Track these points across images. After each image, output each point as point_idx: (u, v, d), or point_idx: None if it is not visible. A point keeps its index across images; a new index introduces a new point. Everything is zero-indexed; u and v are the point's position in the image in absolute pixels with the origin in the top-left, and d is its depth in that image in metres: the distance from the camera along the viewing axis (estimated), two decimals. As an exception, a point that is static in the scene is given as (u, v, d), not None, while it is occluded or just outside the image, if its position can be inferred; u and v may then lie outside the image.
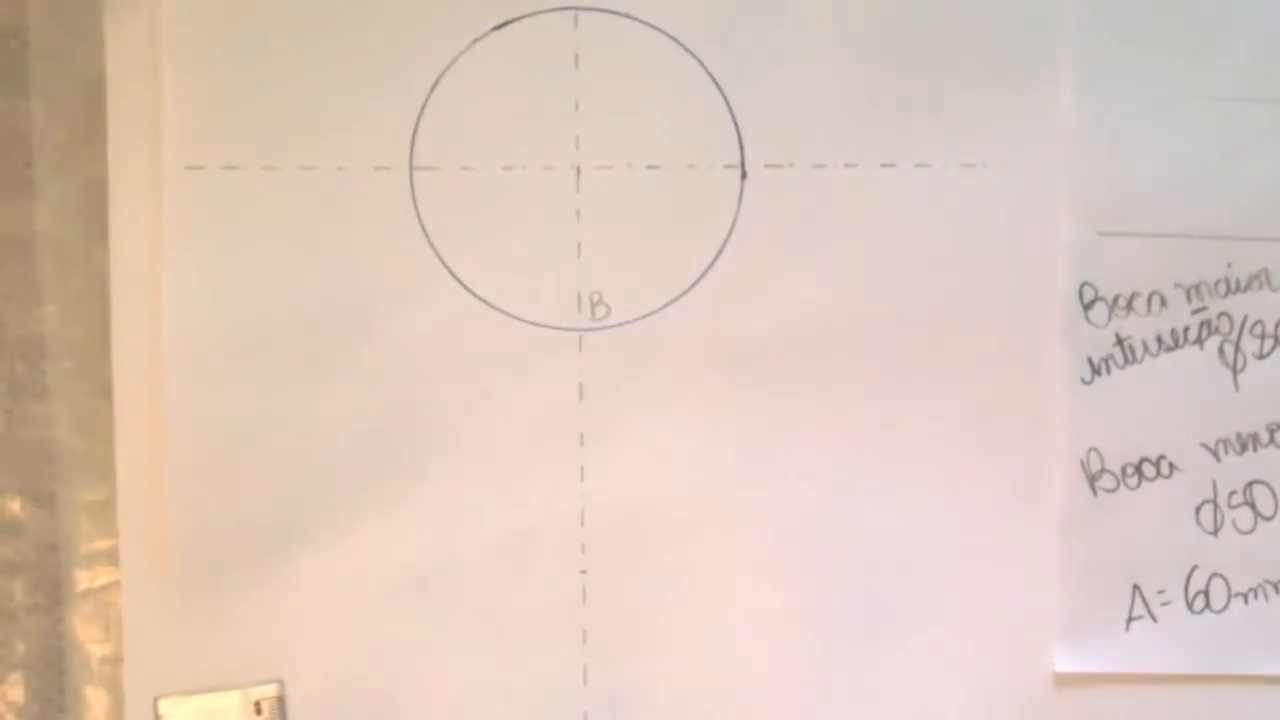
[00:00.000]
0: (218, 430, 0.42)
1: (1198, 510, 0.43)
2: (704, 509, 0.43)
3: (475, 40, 0.42)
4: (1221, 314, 0.43)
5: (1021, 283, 0.43)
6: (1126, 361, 0.43)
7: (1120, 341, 0.43)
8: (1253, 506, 0.43)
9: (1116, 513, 0.43)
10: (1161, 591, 0.43)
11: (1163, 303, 0.43)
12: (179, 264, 0.42)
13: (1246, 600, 0.43)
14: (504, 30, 0.42)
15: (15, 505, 0.43)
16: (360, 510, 0.42)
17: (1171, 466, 0.43)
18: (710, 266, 0.43)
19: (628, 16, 0.42)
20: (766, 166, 0.43)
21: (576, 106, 0.42)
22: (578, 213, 0.43)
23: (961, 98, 0.43)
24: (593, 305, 0.43)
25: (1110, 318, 0.43)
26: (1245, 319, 0.43)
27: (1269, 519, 0.43)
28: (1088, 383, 0.43)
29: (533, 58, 0.42)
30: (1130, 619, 0.43)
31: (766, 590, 0.43)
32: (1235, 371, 0.43)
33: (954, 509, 0.43)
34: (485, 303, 0.42)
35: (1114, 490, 0.43)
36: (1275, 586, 0.43)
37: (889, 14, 0.42)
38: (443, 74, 0.42)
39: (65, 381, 0.43)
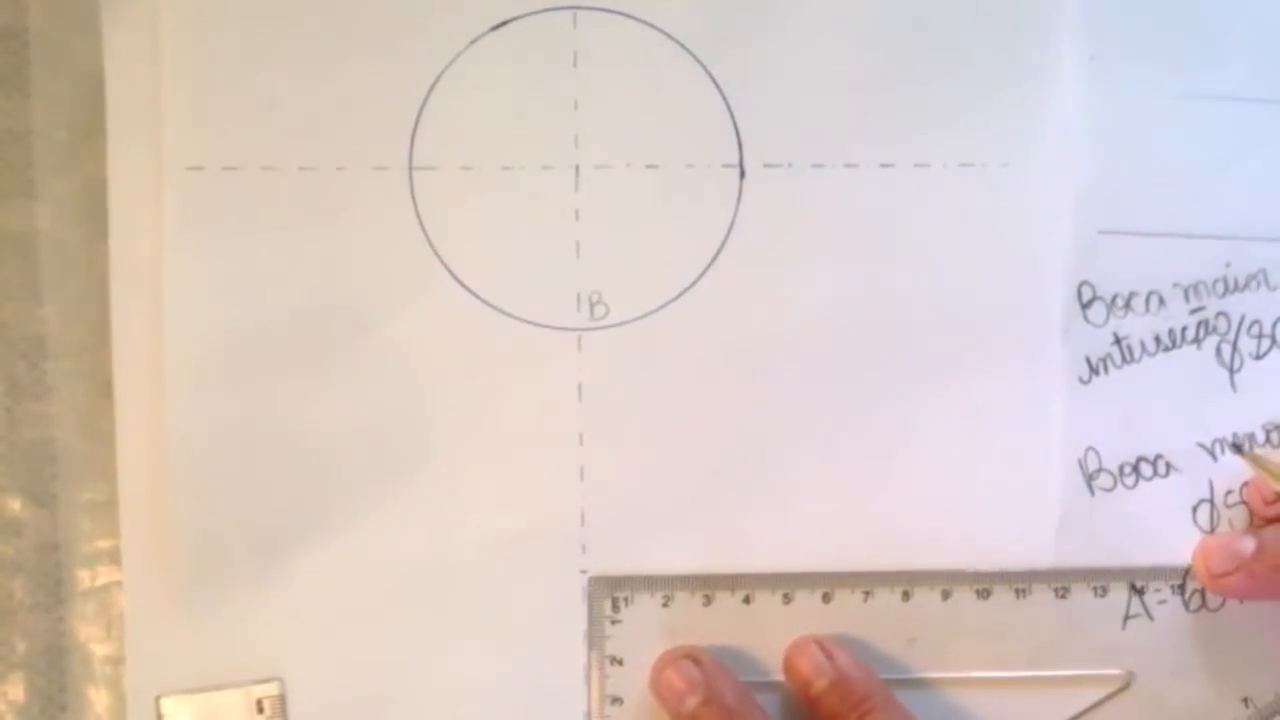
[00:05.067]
0: (218, 429, 0.42)
1: (1194, 509, 0.43)
2: (704, 509, 0.43)
3: (474, 40, 0.42)
4: (1219, 314, 0.43)
5: (1020, 282, 0.43)
6: (1124, 361, 0.43)
7: (1118, 341, 0.43)
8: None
9: (1114, 512, 0.43)
10: (1158, 590, 0.43)
11: (1161, 302, 0.43)
12: (179, 264, 0.42)
13: (1243, 599, 0.43)
14: (503, 30, 0.42)
15: (16, 504, 0.43)
16: (360, 510, 0.42)
17: (1169, 466, 0.43)
18: (709, 266, 0.43)
19: (627, 16, 0.42)
20: (765, 166, 0.43)
21: (575, 106, 0.42)
22: (576, 212, 0.43)
23: (961, 98, 0.43)
24: (592, 305, 0.43)
25: (1108, 317, 0.43)
26: (1243, 319, 0.43)
27: (1265, 518, 0.44)
28: (1085, 382, 0.43)
29: (532, 57, 0.42)
30: (1127, 617, 0.43)
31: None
32: (1232, 371, 0.43)
33: (952, 507, 0.43)
34: (485, 302, 0.43)
35: (1111, 489, 0.43)
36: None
37: (888, 14, 0.42)
38: (442, 74, 0.42)
39: (66, 381, 0.43)
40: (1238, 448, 0.43)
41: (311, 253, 0.42)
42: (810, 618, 0.43)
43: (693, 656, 0.42)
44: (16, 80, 0.43)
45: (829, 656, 0.41)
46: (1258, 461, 0.42)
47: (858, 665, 0.41)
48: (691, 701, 0.41)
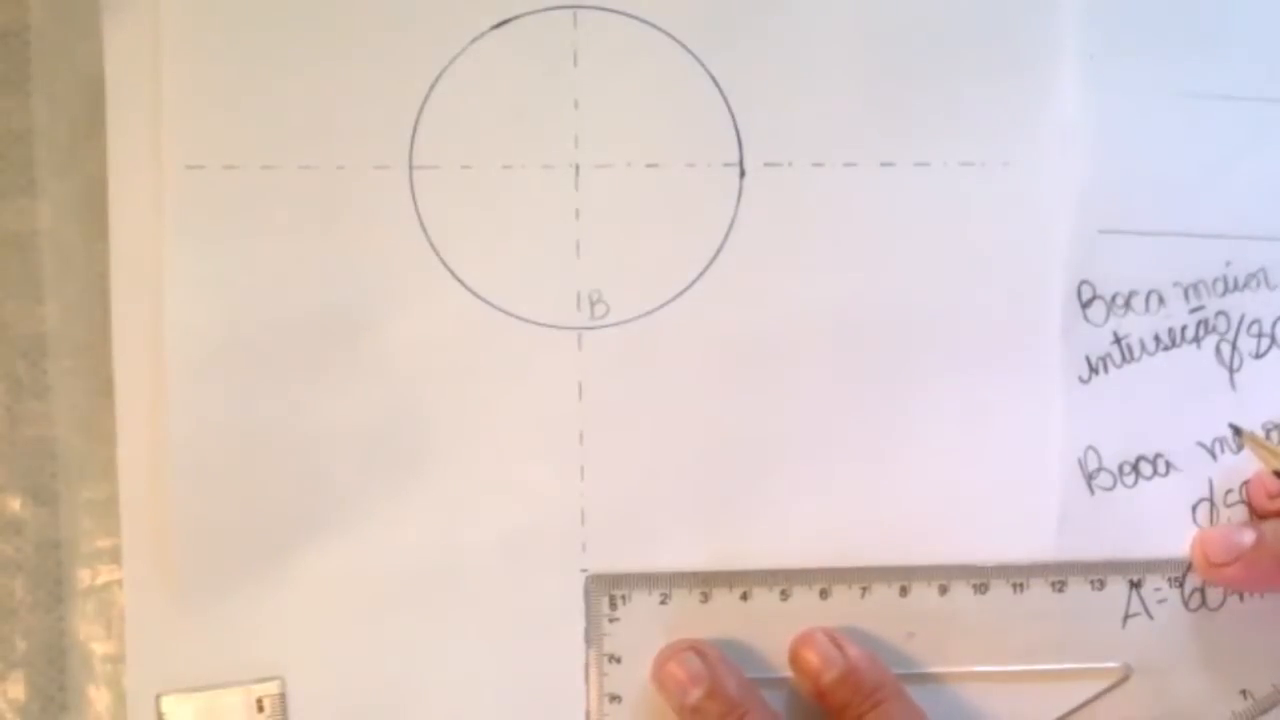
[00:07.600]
0: (219, 429, 0.42)
1: (1194, 508, 0.43)
2: (703, 506, 0.43)
3: (474, 39, 0.42)
4: (1219, 313, 0.43)
5: (1020, 281, 0.43)
6: (1124, 360, 0.43)
7: (1118, 340, 0.43)
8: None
9: (1114, 511, 0.43)
10: (1158, 589, 0.43)
11: (1161, 301, 0.43)
12: (179, 264, 0.42)
13: (1242, 598, 0.43)
14: (503, 29, 0.42)
15: (17, 503, 0.43)
16: (360, 510, 0.42)
17: (1168, 465, 0.43)
18: (709, 265, 0.43)
19: (627, 15, 0.42)
20: (765, 165, 0.43)
21: (576, 105, 0.42)
22: (577, 211, 0.43)
23: (961, 97, 0.43)
24: (592, 304, 0.43)
25: (1108, 316, 0.43)
26: (1243, 318, 0.43)
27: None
28: (1085, 381, 0.43)
29: (532, 56, 0.42)
30: (1127, 616, 0.43)
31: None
32: (1232, 370, 0.43)
33: (951, 507, 0.43)
34: (485, 301, 0.43)
35: (1111, 489, 0.43)
36: (1271, 585, 0.43)
37: (888, 13, 0.42)
38: (442, 73, 0.42)
39: (67, 380, 0.43)
40: (1236, 430, 0.43)
41: (311, 252, 0.42)
42: (808, 614, 0.43)
43: (696, 649, 0.41)
44: (16, 80, 0.43)
45: (839, 647, 0.41)
46: (1257, 442, 0.42)
47: (868, 656, 0.41)
48: (695, 694, 0.41)
